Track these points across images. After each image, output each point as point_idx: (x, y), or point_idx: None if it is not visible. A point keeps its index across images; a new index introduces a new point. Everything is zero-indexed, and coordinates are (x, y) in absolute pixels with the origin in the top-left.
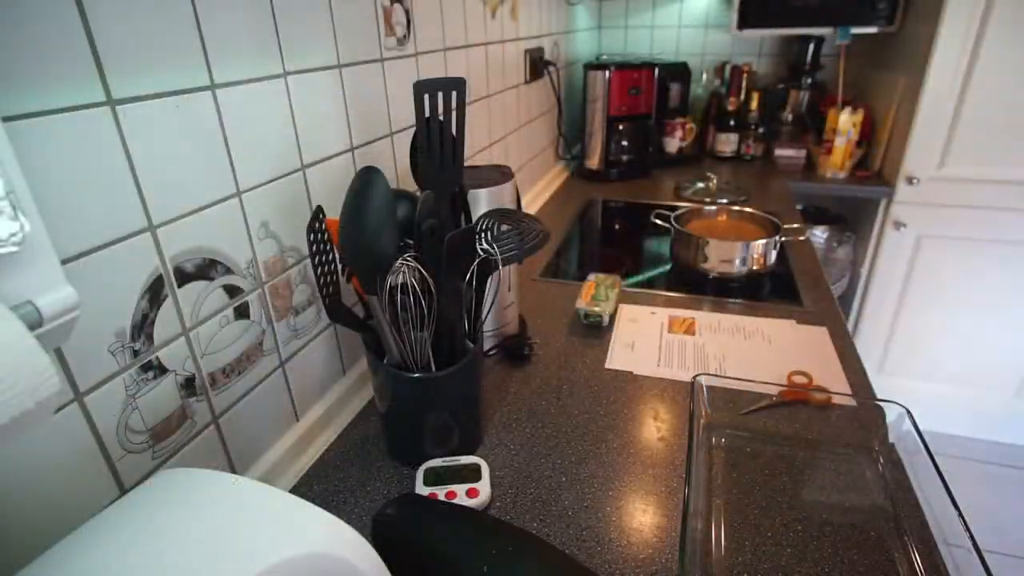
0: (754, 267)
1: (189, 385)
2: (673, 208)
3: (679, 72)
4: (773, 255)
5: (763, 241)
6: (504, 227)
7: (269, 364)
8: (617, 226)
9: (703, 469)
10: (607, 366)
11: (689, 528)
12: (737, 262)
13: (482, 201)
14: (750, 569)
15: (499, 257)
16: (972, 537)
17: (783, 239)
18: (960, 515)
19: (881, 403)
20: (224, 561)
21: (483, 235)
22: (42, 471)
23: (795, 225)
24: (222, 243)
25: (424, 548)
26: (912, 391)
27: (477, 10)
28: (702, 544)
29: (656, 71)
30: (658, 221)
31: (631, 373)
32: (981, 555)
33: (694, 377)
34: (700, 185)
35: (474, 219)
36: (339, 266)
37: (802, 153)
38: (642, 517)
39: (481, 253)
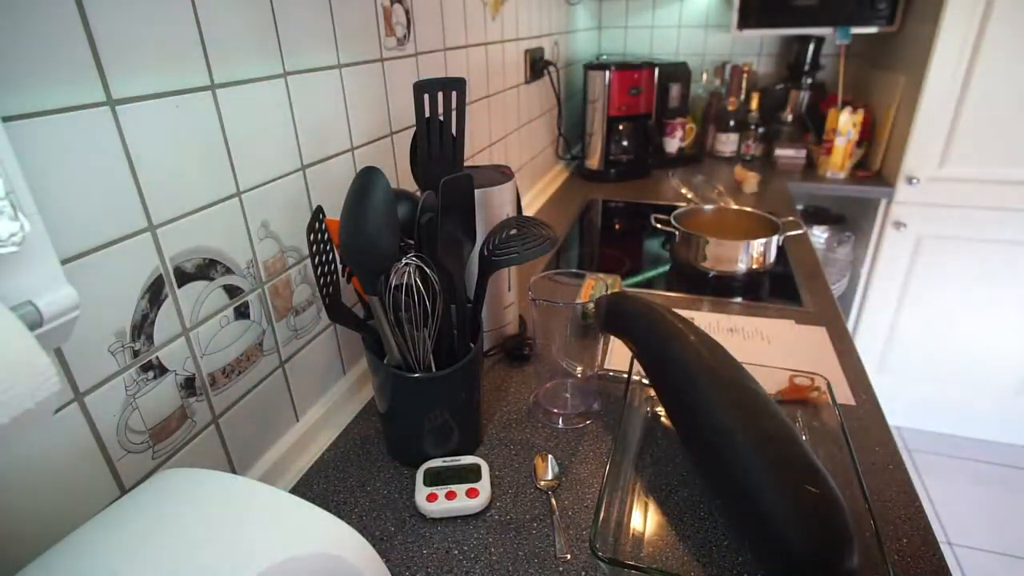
0: (754, 266)
1: (189, 385)
2: (672, 208)
3: (679, 72)
4: (773, 254)
5: (762, 240)
6: (512, 231)
7: (269, 364)
8: (617, 226)
9: (634, 443)
10: (606, 366)
11: (604, 499)
12: (737, 261)
13: (482, 201)
14: (662, 542)
15: (500, 258)
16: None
17: (783, 237)
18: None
19: (807, 374)
20: (224, 561)
21: (490, 241)
22: (42, 471)
23: (790, 218)
24: (222, 243)
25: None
26: (912, 391)
27: (477, 10)
28: (622, 515)
29: (656, 71)
30: (658, 225)
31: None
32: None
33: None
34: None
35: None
36: (339, 266)
37: (802, 153)
38: (642, 516)
39: (487, 253)
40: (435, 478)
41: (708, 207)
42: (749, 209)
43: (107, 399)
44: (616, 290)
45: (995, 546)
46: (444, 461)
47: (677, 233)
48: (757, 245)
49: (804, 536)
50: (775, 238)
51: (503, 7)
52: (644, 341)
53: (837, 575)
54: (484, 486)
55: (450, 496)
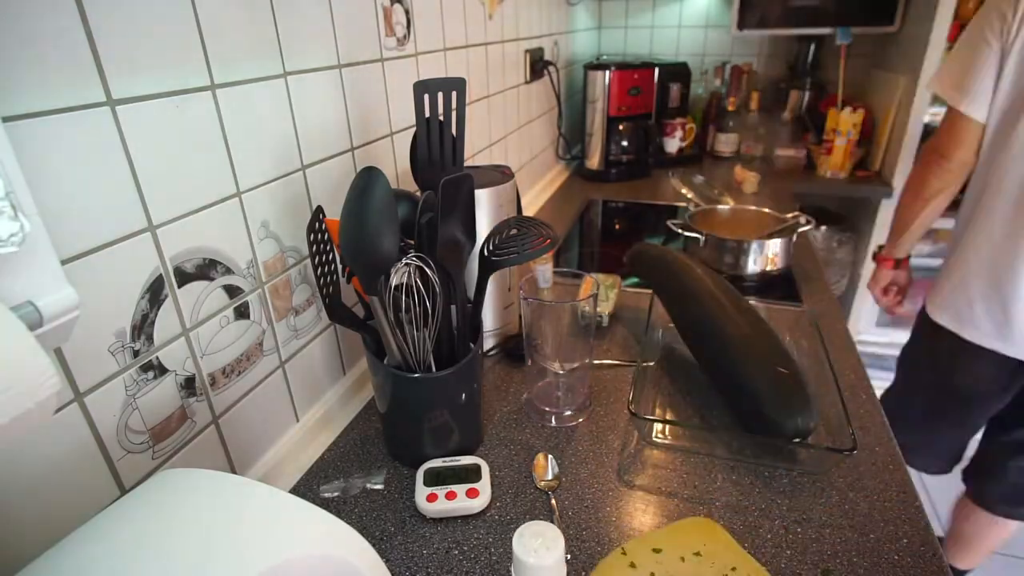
0: (767, 267)
1: (189, 385)
2: (673, 208)
3: (679, 72)
4: (783, 253)
5: (780, 240)
6: (513, 231)
7: (269, 364)
8: (617, 226)
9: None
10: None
11: (638, 382)
12: (751, 262)
13: (482, 201)
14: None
15: (500, 258)
16: None
17: (797, 235)
18: None
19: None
20: (224, 561)
21: (490, 240)
22: (42, 471)
23: (795, 215)
24: (222, 243)
25: None
26: None
27: (477, 10)
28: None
29: (656, 71)
30: (675, 228)
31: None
32: None
33: None
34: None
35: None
36: (339, 266)
37: (802, 153)
38: (641, 517)
39: (486, 254)
40: (435, 478)
41: (723, 207)
42: (754, 208)
43: (107, 399)
44: (616, 290)
45: (996, 546)
46: (444, 461)
47: (702, 238)
48: (772, 245)
49: (774, 402)
50: (791, 238)
51: (501, 6)
52: (661, 276)
53: (798, 429)
54: (484, 486)
55: (450, 496)
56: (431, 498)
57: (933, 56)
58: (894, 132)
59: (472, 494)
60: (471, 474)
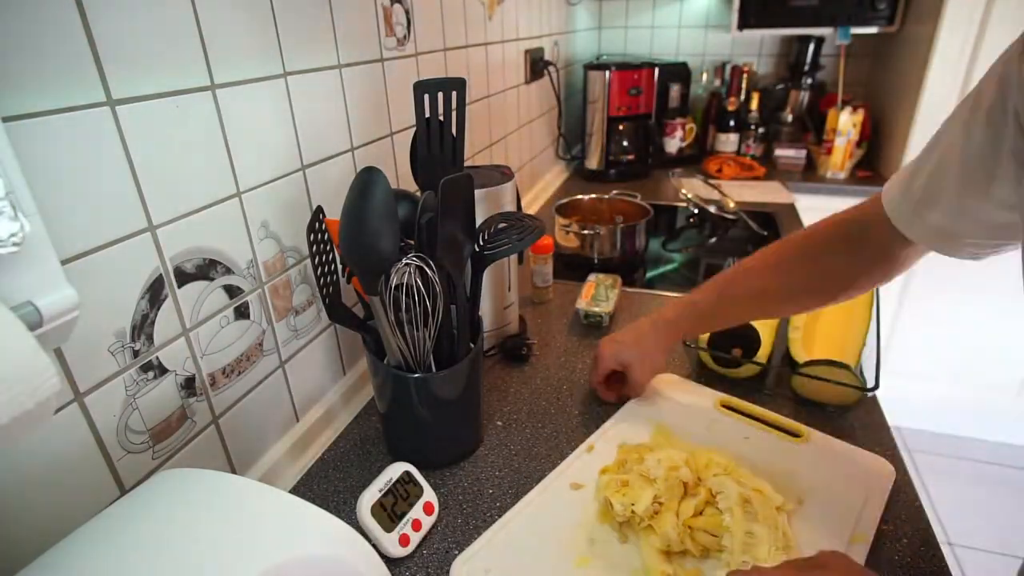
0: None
1: (189, 385)
2: (673, 208)
3: (679, 72)
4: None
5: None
6: (502, 225)
7: (269, 364)
8: None
9: None
10: None
11: None
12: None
13: (482, 201)
14: None
15: (494, 251)
16: None
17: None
18: None
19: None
20: (224, 561)
21: (479, 236)
22: (42, 471)
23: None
24: (222, 243)
25: None
26: (912, 391)
27: (477, 10)
28: None
29: (656, 71)
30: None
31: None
32: None
33: None
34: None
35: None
36: (339, 266)
37: (802, 153)
38: None
39: (478, 249)
40: (389, 515)
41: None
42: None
43: (107, 399)
44: (616, 290)
45: (995, 546)
46: (379, 491)
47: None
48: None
49: None
50: (613, 227)
51: (501, 7)
52: None
53: None
54: (428, 491)
55: (416, 526)
56: (404, 541)
57: (937, 55)
58: (894, 132)
59: (428, 509)
60: (411, 486)
